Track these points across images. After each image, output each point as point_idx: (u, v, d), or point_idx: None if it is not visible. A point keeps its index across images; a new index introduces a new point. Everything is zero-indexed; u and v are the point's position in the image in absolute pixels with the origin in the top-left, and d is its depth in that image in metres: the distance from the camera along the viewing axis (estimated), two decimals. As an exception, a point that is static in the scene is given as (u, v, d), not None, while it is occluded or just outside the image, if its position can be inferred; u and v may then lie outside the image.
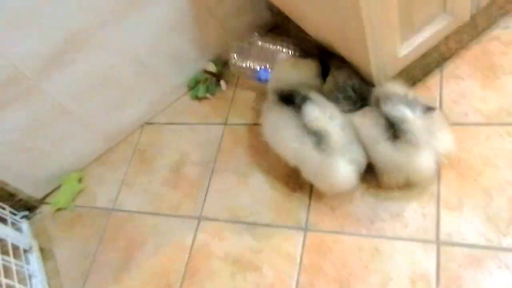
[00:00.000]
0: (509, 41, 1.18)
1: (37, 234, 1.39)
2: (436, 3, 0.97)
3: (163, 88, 1.45)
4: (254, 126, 1.33)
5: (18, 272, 1.18)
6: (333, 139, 0.95)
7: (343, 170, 0.99)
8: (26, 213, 1.42)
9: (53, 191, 1.47)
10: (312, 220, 1.11)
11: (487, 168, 1.03)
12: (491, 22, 1.20)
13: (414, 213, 1.03)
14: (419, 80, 1.19)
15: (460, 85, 1.16)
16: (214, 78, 1.46)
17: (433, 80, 1.19)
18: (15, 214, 1.38)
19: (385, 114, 0.94)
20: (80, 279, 1.26)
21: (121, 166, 1.44)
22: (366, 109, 1.04)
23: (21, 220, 1.39)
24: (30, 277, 1.24)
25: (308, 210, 1.13)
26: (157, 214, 1.29)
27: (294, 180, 1.17)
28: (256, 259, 1.11)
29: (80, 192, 1.43)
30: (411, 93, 0.97)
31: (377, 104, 0.99)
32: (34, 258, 1.30)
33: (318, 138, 0.96)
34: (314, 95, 1.02)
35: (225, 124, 1.38)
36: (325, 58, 1.16)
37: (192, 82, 1.47)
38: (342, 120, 1.00)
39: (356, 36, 0.91)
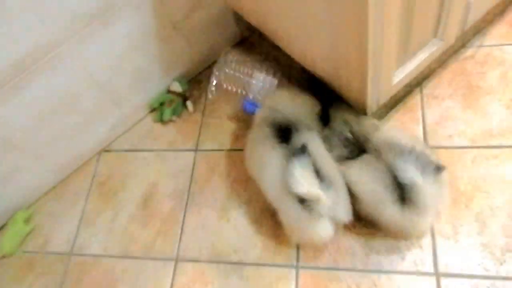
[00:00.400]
0: (483, 60, 1.19)
1: (-23, 289, 1.19)
2: (430, 29, 0.94)
3: (123, 109, 1.30)
4: (230, 152, 1.23)
5: None
6: (320, 205, 0.87)
7: (324, 231, 0.93)
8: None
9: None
10: (303, 256, 1.04)
11: (476, 193, 1.01)
12: (466, 41, 1.20)
13: (410, 243, 0.99)
14: (400, 101, 1.17)
15: (441, 106, 1.14)
16: (180, 99, 1.33)
17: (413, 101, 1.17)
18: None
19: (397, 173, 0.86)
20: None
21: (78, 201, 1.27)
22: (364, 159, 0.96)
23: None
24: None
25: (298, 244, 1.05)
26: (126, 256, 1.14)
27: (279, 212, 1.08)
28: (245, 303, 1.02)
29: (28, 234, 1.25)
30: (418, 144, 0.89)
31: (377, 154, 0.92)
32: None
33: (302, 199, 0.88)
34: (312, 137, 0.96)
35: (196, 150, 1.27)
36: (326, 99, 1.08)
37: (155, 103, 1.34)
38: (335, 177, 0.92)
39: (356, 66, 0.85)
